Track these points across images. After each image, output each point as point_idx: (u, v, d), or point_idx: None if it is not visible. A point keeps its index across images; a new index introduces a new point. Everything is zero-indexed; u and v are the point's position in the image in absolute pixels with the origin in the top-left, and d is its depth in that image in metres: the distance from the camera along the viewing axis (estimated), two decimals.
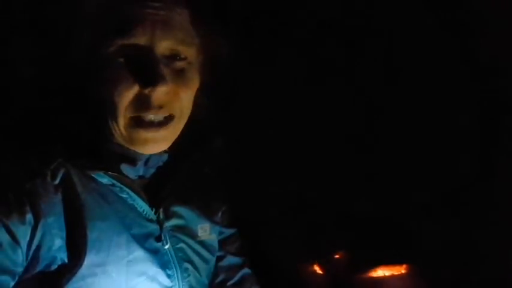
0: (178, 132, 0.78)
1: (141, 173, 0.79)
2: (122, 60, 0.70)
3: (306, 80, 1.24)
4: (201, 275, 0.83)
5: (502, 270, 1.09)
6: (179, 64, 0.74)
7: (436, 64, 1.18)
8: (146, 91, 0.70)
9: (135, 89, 0.70)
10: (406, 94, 1.20)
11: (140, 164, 0.78)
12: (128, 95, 0.70)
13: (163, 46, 0.72)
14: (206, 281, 0.86)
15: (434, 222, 1.17)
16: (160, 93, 0.71)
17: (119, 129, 0.72)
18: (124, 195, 0.76)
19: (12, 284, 0.67)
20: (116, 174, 0.74)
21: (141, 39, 0.71)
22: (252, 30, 1.18)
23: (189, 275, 0.80)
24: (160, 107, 0.72)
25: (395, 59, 1.20)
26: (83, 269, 0.70)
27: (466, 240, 1.13)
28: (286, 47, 1.23)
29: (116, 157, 0.75)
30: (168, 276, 0.77)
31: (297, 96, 1.23)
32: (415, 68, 1.19)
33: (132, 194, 0.76)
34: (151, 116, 0.72)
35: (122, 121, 0.72)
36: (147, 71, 0.70)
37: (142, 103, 0.71)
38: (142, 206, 0.77)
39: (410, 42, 1.19)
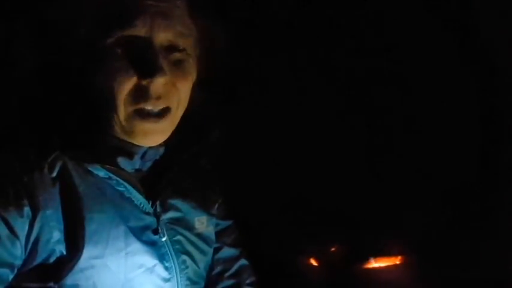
0: (175, 124, 0.78)
1: (137, 166, 0.79)
2: (121, 51, 0.71)
3: (305, 76, 1.24)
4: (198, 267, 0.84)
5: (502, 270, 1.10)
6: (177, 56, 0.75)
7: (436, 63, 1.19)
8: (145, 82, 0.70)
9: (134, 79, 0.71)
10: (406, 93, 1.20)
11: (137, 157, 0.78)
12: (126, 86, 0.70)
13: (162, 38, 0.72)
14: (204, 273, 0.86)
15: (434, 221, 1.18)
16: (158, 84, 0.71)
17: (119, 121, 0.73)
18: (121, 189, 0.76)
19: (11, 276, 0.68)
20: (112, 167, 0.75)
21: (140, 31, 0.71)
22: (252, 23, 1.18)
23: (187, 267, 0.81)
24: (159, 98, 0.72)
25: (395, 58, 1.20)
26: (82, 261, 0.70)
27: (465, 239, 1.14)
28: (287, 42, 1.23)
29: (112, 150, 0.75)
30: (166, 268, 0.78)
31: (297, 91, 1.23)
32: (415, 68, 1.19)
33: (129, 187, 0.76)
34: (150, 107, 0.72)
35: (122, 112, 0.72)
36: (146, 62, 0.70)
37: (141, 94, 0.71)
38: (139, 198, 0.77)
39: (410, 42, 1.19)
